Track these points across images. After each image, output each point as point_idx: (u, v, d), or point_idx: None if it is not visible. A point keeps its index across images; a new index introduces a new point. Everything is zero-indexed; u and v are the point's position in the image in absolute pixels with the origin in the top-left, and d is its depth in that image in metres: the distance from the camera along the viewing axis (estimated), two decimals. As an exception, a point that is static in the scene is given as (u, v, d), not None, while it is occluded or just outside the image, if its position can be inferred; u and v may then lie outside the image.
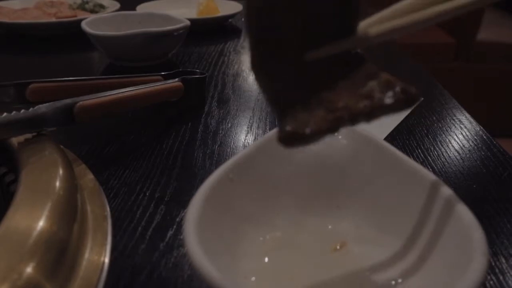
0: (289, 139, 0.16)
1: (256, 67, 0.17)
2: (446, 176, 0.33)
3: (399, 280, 0.21)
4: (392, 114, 0.16)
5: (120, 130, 0.40)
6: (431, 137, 0.40)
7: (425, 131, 0.40)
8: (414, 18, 0.16)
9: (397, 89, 0.16)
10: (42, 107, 0.31)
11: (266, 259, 0.22)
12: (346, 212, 0.24)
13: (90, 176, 0.32)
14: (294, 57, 0.17)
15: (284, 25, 0.16)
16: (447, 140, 0.39)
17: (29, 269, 0.20)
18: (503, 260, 0.25)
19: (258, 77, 0.17)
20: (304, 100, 0.17)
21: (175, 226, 0.28)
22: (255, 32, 0.16)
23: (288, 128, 0.16)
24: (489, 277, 0.24)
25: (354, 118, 0.16)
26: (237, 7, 0.78)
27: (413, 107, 0.17)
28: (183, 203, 0.30)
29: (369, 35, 0.17)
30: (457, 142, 0.38)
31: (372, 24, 0.17)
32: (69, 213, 0.24)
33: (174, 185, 0.32)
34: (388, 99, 0.16)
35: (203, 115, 0.43)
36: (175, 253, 0.26)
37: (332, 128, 0.16)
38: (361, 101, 0.16)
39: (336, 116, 0.16)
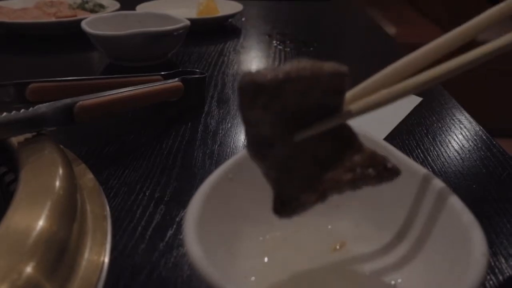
0: (283, 211, 0.18)
1: (251, 151, 0.18)
2: (446, 176, 0.33)
3: (399, 280, 0.21)
4: (375, 185, 0.18)
5: (120, 130, 0.40)
6: (431, 137, 0.40)
7: (425, 131, 0.40)
8: (394, 92, 0.18)
9: (379, 164, 0.18)
10: (42, 107, 0.31)
11: (266, 259, 0.22)
12: (345, 212, 0.24)
13: (90, 175, 0.32)
14: (284, 140, 0.18)
15: (272, 115, 0.17)
16: (447, 140, 0.39)
17: (28, 269, 0.20)
18: (503, 260, 0.25)
19: (254, 159, 0.18)
20: (295, 175, 0.18)
21: (174, 226, 0.28)
22: (248, 123, 0.17)
23: (281, 201, 0.18)
24: (488, 277, 0.24)
25: (340, 188, 0.18)
26: (237, 7, 0.78)
27: (394, 180, 0.18)
28: (183, 203, 0.30)
29: (352, 112, 0.18)
30: (457, 142, 0.38)
31: (356, 97, 0.18)
32: (68, 212, 0.24)
33: (174, 185, 0.32)
34: (371, 173, 0.18)
35: (203, 115, 0.43)
36: (174, 253, 0.26)
37: (321, 198, 0.18)
38: (346, 174, 0.18)
39: (324, 187, 0.18)
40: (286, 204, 0.18)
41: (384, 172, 0.18)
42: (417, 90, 0.18)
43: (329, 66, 0.17)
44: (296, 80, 0.16)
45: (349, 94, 0.19)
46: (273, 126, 0.17)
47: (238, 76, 0.55)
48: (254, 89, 0.16)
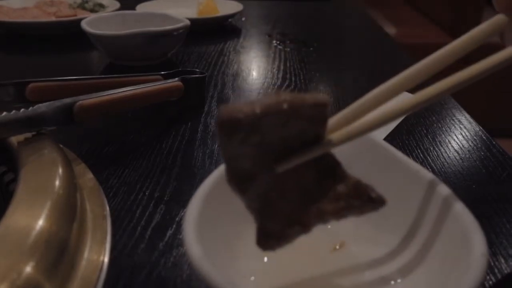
0: (267, 244, 0.18)
1: (232, 185, 0.18)
2: (445, 176, 0.33)
3: (398, 280, 0.21)
4: (359, 215, 0.18)
5: (120, 129, 0.40)
6: (431, 137, 0.40)
7: (425, 131, 0.40)
8: (374, 120, 0.18)
9: (364, 193, 0.18)
10: (42, 106, 0.31)
11: (265, 259, 0.22)
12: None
13: (90, 175, 0.32)
14: (265, 173, 0.18)
15: (252, 149, 0.17)
16: (447, 140, 0.39)
17: (28, 268, 0.20)
18: (502, 260, 0.25)
19: (235, 192, 0.18)
20: (278, 207, 0.18)
21: (174, 226, 0.28)
22: (227, 157, 0.17)
23: (265, 233, 0.18)
24: (488, 277, 0.24)
25: (324, 219, 0.18)
26: (237, 7, 0.78)
27: (378, 210, 0.18)
28: (183, 203, 0.30)
29: (334, 141, 0.18)
30: (457, 142, 0.38)
31: (338, 124, 0.18)
32: (68, 212, 0.24)
33: (173, 185, 0.32)
34: (355, 203, 0.18)
35: (203, 115, 0.43)
36: (174, 252, 0.26)
37: (305, 230, 0.18)
38: (330, 204, 0.18)
39: (308, 218, 0.18)
40: (270, 237, 0.18)
41: (369, 202, 0.18)
42: (399, 116, 0.18)
43: (310, 97, 0.16)
44: (274, 114, 0.16)
45: (331, 121, 0.18)
46: (253, 160, 0.17)
47: (237, 75, 0.55)
48: (231, 124, 0.16)
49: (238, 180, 0.18)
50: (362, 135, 0.18)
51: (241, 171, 0.17)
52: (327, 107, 0.17)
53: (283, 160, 0.18)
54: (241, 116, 0.16)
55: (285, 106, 0.16)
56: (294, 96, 0.16)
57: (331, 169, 0.18)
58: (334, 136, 0.18)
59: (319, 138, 0.18)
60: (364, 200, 0.18)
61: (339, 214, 0.18)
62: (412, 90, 0.19)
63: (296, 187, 0.18)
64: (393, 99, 0.19)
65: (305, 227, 0.18)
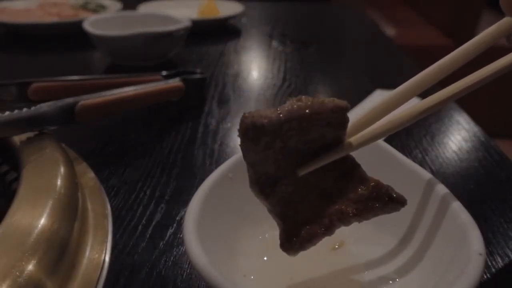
0: (290, 247, 0.18)
1: (255, 190, 0.18)
2: (444, 176, 0.33)
3: (397, 279, 0.21)
4: (380, 215, 0.18)
5: (121, 129, 0.40)
6: (430, 138, 0.40)
7: (424, 132, 0.41)
8: (390, 124, 0.19)
9: (384, 194, 0.18)
10: (44, 106, 0.31)
11: (265, 258, 0.22)
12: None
13: (91, 174, 0.32)
14: (288, 177, 0.18)
15: (275, 154, 0.17)
16: (445, 141, 0.39)
17: (30, 267, 0.20)
18: (499, 260, 0.25)
19: (258, 197, 0.18)
20: (301, 210, 0.18)
21: (175, 225, 0.28)
22: (251, 163, 0.17)
23: (288, 236, 0.18)
24: (485, 276, 0.24)
25: (347, 221, 0.18)
26: (238, 8, 0.79)
27: (399, 209, 0.19)
28: (183, 202, 0.30)
29: (354, 144, 0.18)
30: (455, 143, 0.39)
31: (357, 127, 0.19)
32: (70, 211, 0.24)
33: (174, 184, 0.32)
34: (376, 203, 0.18)
35: (203, 115, 0.44)
36: (174, 251, 0.26)
37: (328, 232, 0.18)
38: (351, 206, 0.18)
39: (330, 220, 0.18)
40: (294, 240, 0.18)
41: (390, 202, 0.18)
42: (413, 120, 0.19)
43: (329, 102, 0.17)
44: (296, 119, 0.16)
45: (350, 125, 0.19)
46: (276, 164, 0.17)
47: (237, 76, 0.55)
48: (256, 131, 0.16)
49: (262, 185, 0.18)
50: (379, 138, 0.19)
51: (264, 176, 0.18)
52: (346, 111, 0.17)
53: (304, 164, 0.18)
54: (265, 122, 0.16)
55: (306, 111, 0.16)
56: (314, 101, 0.17)
57: (350, 171, 0.19)
58: (353, 139, 0.18)
59: (338, 141, 0.18)
60: (385, 200, 0.18)
61: (361, 215, 0.18)
62: (424, 95, 0.20)
63: (317, 190, 0.18)
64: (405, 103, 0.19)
65: (328, 229, 0.18)
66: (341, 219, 0.18)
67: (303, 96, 0.17)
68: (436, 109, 0.19)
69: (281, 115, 0.16)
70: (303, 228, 0.18)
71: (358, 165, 0.19)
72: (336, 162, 0.18)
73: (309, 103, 0.17)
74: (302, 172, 0.18)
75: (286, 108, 0.16)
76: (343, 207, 0.18)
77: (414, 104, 0.19)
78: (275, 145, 0.17)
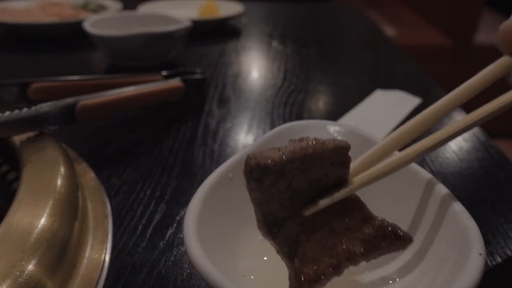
0: None
1: (262, 230, 0.18)
2: (444, 176, 0.34)
3: (397, 279, 0.21)
4: (387, 253, 0.18)
5: (121, 129, 0.40)
6: (430, 138, 0.40)
7: (423, 132, 0.41)
8: (394, 162, 0.19)
9: (390, 232, 0.18)
10: (44, 106, 0.31)
11: (265, 258, 0.22)
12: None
13: (91, 174, 0.32)
14: (294, 217, 0.18)
15: (280, 194, 0.18)
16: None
17: (30, 266, 0.20)
18: (499, 260, 0.25)
19: (266, 237, 0.19)
20: (308, 250, 0.18)
21: (175, 225, 0.28)
22: (257, 203, 0.18)
23: (297, 277, 0.18)
24: (485, 276, 0.24)
25: (355, 261, 0.18)
26: (238, 8, 0.79)
27: (406, 247, 0.19)
28: (183, 202, 0.30)
29: (358, 184, 0.19)
30: (455, 143, 0.39)
31: (362, 167, 0.19)
32: (70, 211, 0.25)
33: (174, 184, 0.32)
34: (383, 243, 0.18)
35: (204, 115, 0.44)
36: (174, 251, 0.26)
37: (336, 272, 0.18)
38: (359, 245, 0.18)
39: (338, 260, 0.18)
40: (302, 281, 0.18)
41: (396, 240, 0.18)
42: (420, 157, 0.20)
43: (330, 142, 0.18)
44: (299, 159, 0.17)
45: (354, 165, 0.19)
46: (281, 205, 0.18)
47: (237, 76, 0.55)
48: (260, 172, 0.17)
49: (269, 226, 0.18)
50: (384, 177, 0.19)
51: (271, 216, 0.18)
52: (347, 150, 0.18)
53: (310, 204, 0.18)
54: (268, 163, 0.17)
55: (308, 152, 0.17)
56: (316, 142, 0.17)
57: (356, 210, 0.19)
58: (357, 179, 0.19)
59: (343, 181, 0.19)
60: (391, 239, 0.18)
61: (368, 255, 0.18)
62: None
63: (324, 230, 0.19)
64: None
65: (337, 269, 0.18)
66: (349, 258, 0.18)
67: (305, 137, 0.18)
68: (441, 145, 0.20)
69: (283, 156, 0.17)
70: (311, 268, 0.18)
71: (364, 205, 0.19)
72: (342, 201, 0.19)
73: (310, 143, 0.17)
74: (308, 213, 0.18)
75: (289, 149, 0.17)
76: (350, 246, 0.18)
77: (418, 143, 0.20)
78: (280, 185, 0.17)
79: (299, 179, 0.18)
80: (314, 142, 0.17)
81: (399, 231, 0.18)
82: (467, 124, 0.19)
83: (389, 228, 0.19)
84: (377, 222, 0.19)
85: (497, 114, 0.19)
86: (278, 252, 0.19)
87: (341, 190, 0.19)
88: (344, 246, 0.18)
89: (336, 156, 0.18)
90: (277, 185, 0.17)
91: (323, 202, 0.18)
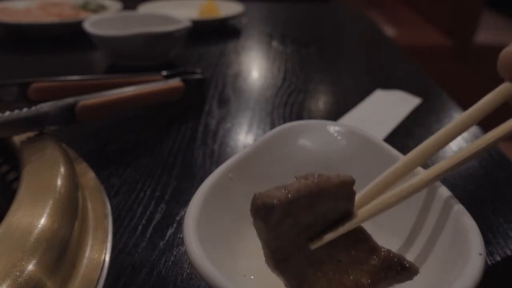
0: None
1: (270, 265, 0.19)
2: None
3: (396, 279, 0.21)
4: (394, 284, 0.19)
5: (121, 129, 0.40)
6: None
7: (423, 132, 0.41)
8: (397, 196, 0.19)
9: (396, 264, 0.19)
10: (44, 106, 0.31)
11: (265, 258, 0.22)
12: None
13: (91, 174, 0.32)
14: (301, 251, 0.19)
15: (286, 231, 0.18)
16: (446, 141, 0.39)
17: (30, 266, 0.20)
18: (499, 260, 0.25)
19: (274, 272, 0.19)
20: (316, 283, 0.19)
21: (175, 225, 0.28)
22: (264, 240, 0.18)
23: None
24: (485, 276, 0.24)
25: None
26: (238, 8, 0.79)
27: (412, 277, 0.19)
28: (183, 202, 0.30)
29: (362, 217, 0.19)
30: (455, 143, 0.39)
31: (366, 198, 0.20)
32: (70, 211, 0.25)
33: (174, 184, 0.32)
34: (389, 273, 0.18)
35: (203, 115, 0.44)
36: (174, 251, 0.26)
37: None
38: (366, 276, 0.19)
39: None
40: None
41: (402, 271, 0.19)
42: (423, 188, 0.20)
43: (335, 178, 0.18)
44: (305, 197, 0.18)
45: (359, 197, 0.20)
46: (288, 240, 0.18)
47: (237, 76, 0.55)
48: (266, 210, 0.17)
49: (276, 261, 0.18)
50: (389, 208, 0.20)
51: (278, 251, 0.18)
52: (352, 184, 0.18)
53: (316, 237, 0.19)
54: (274, 202, 0.17)
55: (313, 189, 0.18)
56: (321, 178, 0.18)
57: (362, 242, 0.19)
58: (362, 211, 0.19)
59: (348, 214, 0.19)
60: (397, 270, 0.19)
61: (375, 287, 0.19)
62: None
63: (331, 262, 0.19)
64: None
65: None
66: None
67: (309, 173, 0.18)
68: (446, 175, 0.20)
69: (289, 195, 0.17)
70: None
71: (369, 236, 0.20)
72: (348, 233, 0.19)
73: (315, 180, 0.18)
74: (315, 246, 0.19)
75: (294, 187, 0.18)
76: (358, 278, 0.19)
77: (423, 172, 0.20)
78: (286, 222, 0.18)
79: (305, 216, 0.18)
80: (319, 179, 0.18)
81: (405, 262, 0.19)
82: (477, 150, 0.20)
83: (395, 259, 0.19)
84: (383, 253, 0.19)
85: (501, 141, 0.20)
86: (286, 285, 0.19)
87: (346, 224, 0.19)
88: (351, 278, 0.19)
89: (341, 191, 0.18)
90: (284, 223, 0.18)
91: (328, 236, 0.19)
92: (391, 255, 0.19)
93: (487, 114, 0.20)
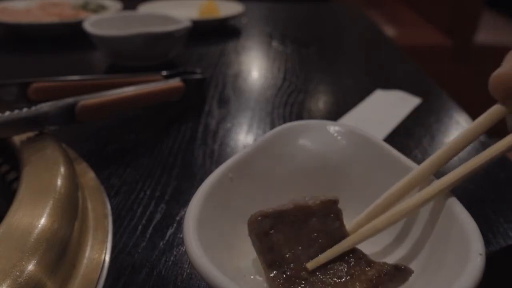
0: None
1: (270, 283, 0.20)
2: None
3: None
4: None
5: (121, 129, 0.40)
6: (429, 137, 0.40)
7: (424, 132, 0.41)
8: (392, 216, 0.20)
9: (391, 268, 0.20)
10: (44, 106, 0.31)
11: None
12: (345, 212, 0.24)
13: (91, 174, 0.32)
14: (297, 270, 0.20)
15: (281, 241, 0.20)
16: (445, 141, 0.39)
17: (30, 266, 0.20)
18: (499, 260, 0.25)
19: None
20: None
21: (175, 225, 0.28)
22: (263, 259, 0.20)
23: None
24: (485, 276, 0.24)
25: None
26: (238, 8, 0.79)
27: (408, 277, 0.20)
28: (183, 202, 0.30)
29: (357, 238, 0.21)
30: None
31: (359, 224, 0.21)
32: (70, 211, 0.25)
33: (174, 184, 0.32)
34: (385, 277, 0.20)
35: (204, 115, 0.44)
36: (174, 251, 0.26)
37: None
38: (363, 286, 0.19)
39: None
40: None
41: (397, 272, 0.19)
42: (417, 209, 0.21)
43: (320, 196, 0.21)
44: (293, 209, 0.20)
45: (355, 221, 0.22)
46: (284, 258, 0.20)
47: (237, 76, 0.55)
48: (260, 217, 0.20)
49: (274, 278, 0.20)
50: (380, 232, 0.21)
51: (275, 266, 0.20)
52: (335, 204, 0.21)
53: (313, 257, 0.20)
54: (267, 211, 0.20)
55: (300, 202, 0.21)
56: (307, 197, 0.21)
57: (358, 260, 0.20)
58: (358, 233, 0.21)
59: (342, 234, 0.21)
60: (393, 272, 0.20)
61: None
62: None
63: (329, 280, 0.20)
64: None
65: None
66: None
67: (299, 197, 0.21)
68: (438, 196, 0.20)
69: (279, 207, 0.20)
70: None
71: (365, 254, 0.21)
72: (343, 255, 0.21)
73: (302, 199, 0.21)
74: (312, 267, 0.20)
75: (284, 204, 0.21)
76: (355, 286, 0.20)
77: (415, 195, 0.21)
78: (279, 229, 0.20)
79: (297, 232, 0.20)
80: (305, 197, 0.21)
81: (399, 265, 0.20)
82: (469, 170, 0.21)
83: (390, 265, 0.20)
84: (378, 265, 0.20)
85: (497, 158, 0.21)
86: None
87: (340, 244, 0.20)
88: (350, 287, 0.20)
89: (327, 208, 0.21)
90: (276, 228, 0.20)
91: (324, 256, 0.20)
92: (386, 264, 0.20)
93: (479, 136, 0.21)
